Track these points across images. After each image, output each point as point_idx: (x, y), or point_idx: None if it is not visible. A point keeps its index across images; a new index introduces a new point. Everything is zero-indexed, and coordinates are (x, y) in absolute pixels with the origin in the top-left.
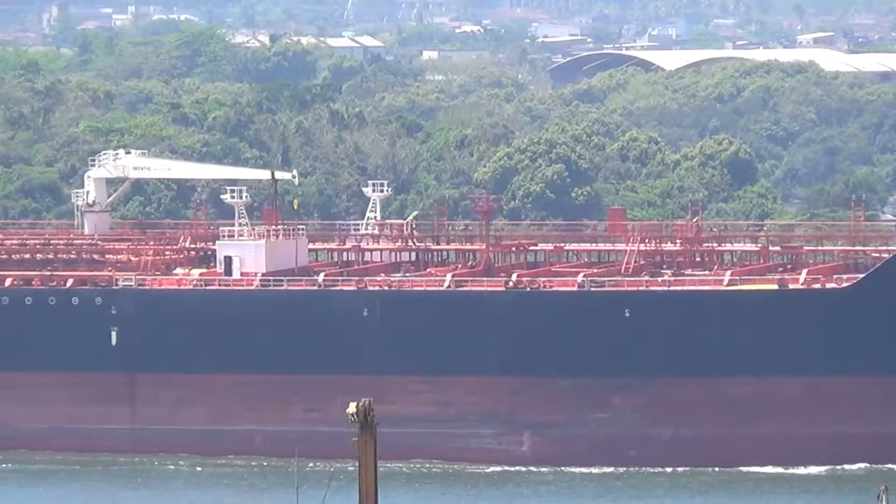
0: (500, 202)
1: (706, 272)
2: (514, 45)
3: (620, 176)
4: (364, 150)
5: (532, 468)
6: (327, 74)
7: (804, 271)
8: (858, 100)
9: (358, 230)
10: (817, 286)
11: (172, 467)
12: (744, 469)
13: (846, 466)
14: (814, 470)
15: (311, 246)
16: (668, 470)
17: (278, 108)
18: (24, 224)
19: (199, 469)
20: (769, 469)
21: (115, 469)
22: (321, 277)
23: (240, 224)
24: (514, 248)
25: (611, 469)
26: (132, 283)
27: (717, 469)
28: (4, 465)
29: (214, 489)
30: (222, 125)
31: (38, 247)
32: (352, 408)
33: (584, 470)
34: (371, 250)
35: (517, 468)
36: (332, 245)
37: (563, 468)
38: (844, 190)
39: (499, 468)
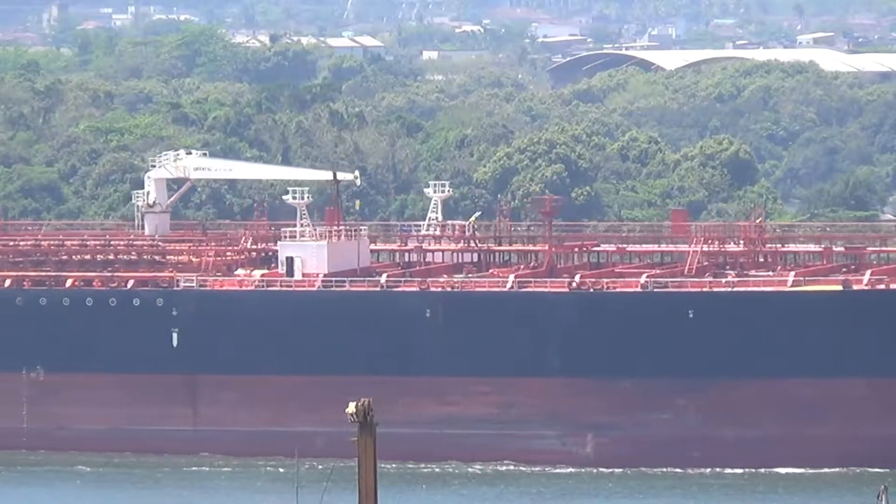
0: (499, 202)
1: (770, 273)
2: (514, 45)
3: (620, 176)
4: (364, 150)
5: (595, 469)
6: (327, 74)
7: (868, 272)
8: (858, 100)
9: (419, 231)
10: (881, 287)
11: (229, 469)
12: (806, 470)
13: None
14: (878, 471)
15: (372, 247)
16: (731, 471)
17: (278, 108)
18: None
19: (248, 470)
20: (835, 470)
21: (174, 471)
22: (383, 278)
23: (301, 225)
24: (576, 249)
25: (673, 470)
26: (193, 285)
27: (779, 470)
28: (66, 467)
29: (268, 491)
30: (222, 125)
31: (98, 248)
32: (351, 408)
33: (647, 471)
34: (433, 251)
35: (580, 469)
36: (394, 246)
37: (626, 469)
38: (844, 190)
39: (562, 469)
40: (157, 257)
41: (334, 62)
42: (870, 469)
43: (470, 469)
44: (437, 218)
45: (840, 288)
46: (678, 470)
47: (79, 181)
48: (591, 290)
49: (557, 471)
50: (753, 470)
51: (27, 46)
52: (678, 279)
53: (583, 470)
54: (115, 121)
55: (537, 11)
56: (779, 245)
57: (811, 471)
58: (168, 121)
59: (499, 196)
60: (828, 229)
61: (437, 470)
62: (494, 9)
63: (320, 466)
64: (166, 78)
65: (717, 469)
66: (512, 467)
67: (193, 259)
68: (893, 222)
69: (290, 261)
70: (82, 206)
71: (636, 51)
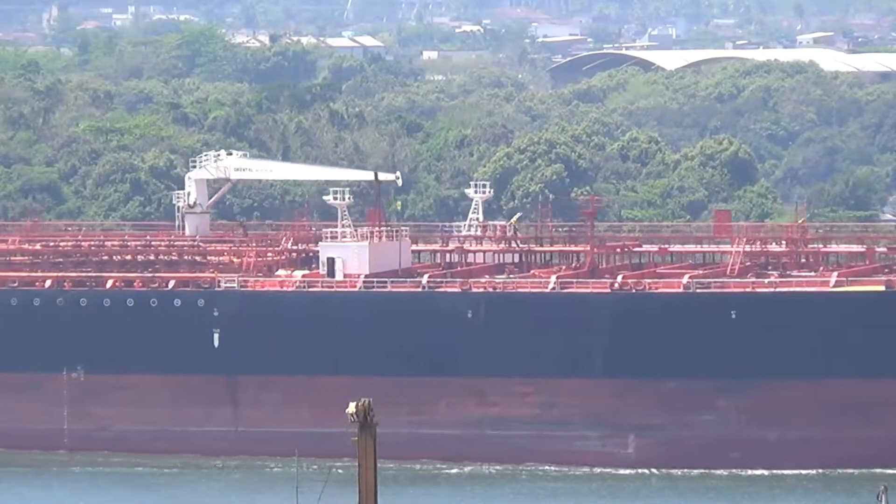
0: (499, 202)
1: (812, 273)
2: (514, 45)
3: (620, 176)
4: (364, 150)
5: (637, 470)
6: (327, 74)
7: None
8: (858, 100)
9: (460, 231)
10: None
11: (276, 469)
12: (849, 471)
13: None
14: None
15: (413, 247)
16: (774, 472)
17: (278, 108)
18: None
19: (292, 470)
20: (876, 470)
21: (216, 471)
22: (425, 279)
23: (343, 225)
24: (618, 250)
25: (715, 471)
26: (234, 285)
27: (821, 471)
28: (106, 469)
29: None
30: (222, 125)
31: (139, 248)
32: (351, 408)
33: (688, 472)
34: (474, 251)
35: (622, 471)
36: (435, 246)
37: (667, 470)
38: (844, 190)
39: (603, 470)
40: (197, 258)
41: (334, 62)
42: None
43: (511, 470)
44: (478, 218)
45: (883, 288)
46: (720, 471)
47: (79, 181)
48: (634, 290)
49: (599, 472)
50: (795, 471)
51: (27, 46)
52: (720, 280)
53: (624, 471)
54: (115, 121)
55: (537, 11)
56: (821, 245)
57: (852, 471)
58: (168, 121)
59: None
60: (868, 230)
61: (478, 471)
62: (494, 9)
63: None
64: (166, 78)
65: (759, 470)
66: (553, 468)
67: (234, 259)
68: (893, 222)
69: (331, 261)
70: (82, 206)
71: (636, 51)
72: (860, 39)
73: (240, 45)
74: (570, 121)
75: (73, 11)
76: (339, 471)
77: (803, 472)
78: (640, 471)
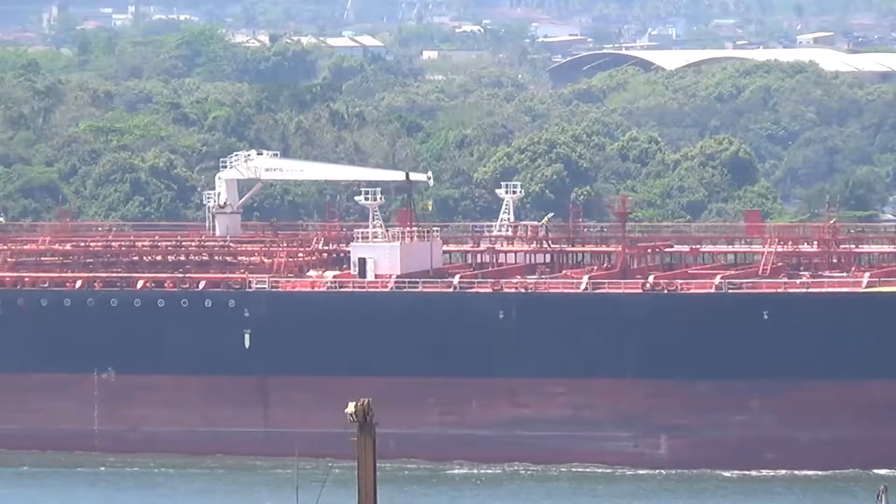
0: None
1: (844, 274)
2: (514, 45)
3: (620, 176)
4: (364, 149)
5: (669, 471)
6: (327, 74)
7: None
8: (858, 100)
9: (491, 232)
10: None
11: (309, 469)
12: (882, 471)
13: None
14: None
15: (444, 248)
16: (806, 473)
17: (278, 108)
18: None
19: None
20: (877, 471)
21: (246, 472)
22: (456, 279)
23: (374, 226)
24: (649, 250)
25: (748, 472)
26: (265, 286)
27: (854, 471)
28: (136, 469)
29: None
30: (222, 125)
31: (169, 248)
32: (351, 408)
33: (720, 473)
34: (505, 252)
35: (654, 471)
36: (466, 247)
37: (700, 471)
38: (844, 190)
39: (635, 471)
40: (228, 258)
41: (334, 62)
42: None
43: (543, 471)
44: (508, 219)
45: None
46: (752, 472)
47: (79, 181)
48: (666, 291)
49: (631, 473)
50: (828, 472)
51: (27, 46)
52: (752, 280)
53: (656, 472)
54: (115, 121)
55: (537, 11)
56: (853, 246)
57: (885, 472)
58: (168, 121)
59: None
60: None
61: (509, 471)
62: (494, 9)
63: (388, 467)
64: (166, 78)
65: (792, 471)
66: (585, 469)
67: (265, 260)
68: (893, 222)
69: (362, 262)
70: (82, 206)
71: (636, 51)
72: (860, 39)
73: (240, 45)
74: (570, 121)
75: (73, 11)
76: (402, 470)
77: (806, 472)
78: (672, 471)
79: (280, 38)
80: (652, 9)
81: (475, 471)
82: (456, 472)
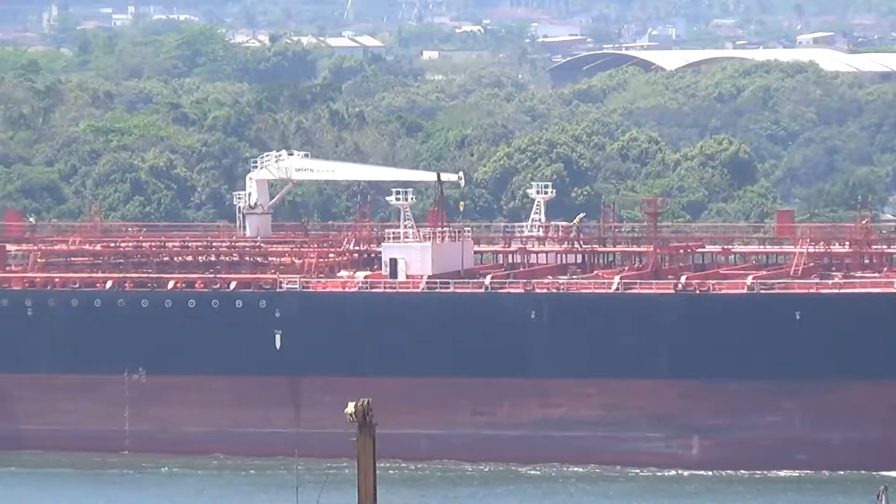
0: (499, 202)
1: (876, 274)
2: (514, 45)
3: (620, 176)
4: (364, 150)
5: (701, 472)
6: (327, 74)
7: None
8: (858, 100)
9: (522, 232)
10: None
11: (338, 470)
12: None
13: None
14: None
15: (475, 248)
16: (838, 474)
17: (278, 108)
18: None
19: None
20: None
21: (276, 473)
22: (488, 280)
23: (405, 226)
24: (681, 250)
25: (780, 473)
26: (296, 286)
27: (886, 472)
28: (166, 469)
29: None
30: (222, 125)
31: (200, 249)
32: (350, 408)
33: (753, 474)
34: (537, 252)
35: (686, 472)
36: (498, 247)
37: (732, 472)
38: (844, 190)
39: (668, 472)
40: (259, 259)
41: (334, 62)
42: None
43: (575, 471)
44: (540, 219)
45: None
46: (785, 472)
47: (79, 181)
48: (698, 291)
49: (663, 473)
50: (859, 472)
51: (27, 46)
52: (784, 281)
53: (689, 472)
54: (115, 121)
55: (537, 11)
56: (885, 246)
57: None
58: (168, 121)
59: (604, 201)
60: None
61: (541, 472)
62: (494, 9)
63: (416, 468)
64: (166, 78)
65: (824, 472)
66: (617, 470)
67: (296, 260)
68: (893, 222)
69: (393, 262)
70: (82, 206)
71: (636, 51)
72: (860, 39)
73: (240, 45)
74: (570, 121)
75: (73, 11)
76: (416, 470)
77: (838, 473)
78: (704, 472)
79: (280, 38)
80: (652, 9)
81: (506, 471)
82: (486, 472)
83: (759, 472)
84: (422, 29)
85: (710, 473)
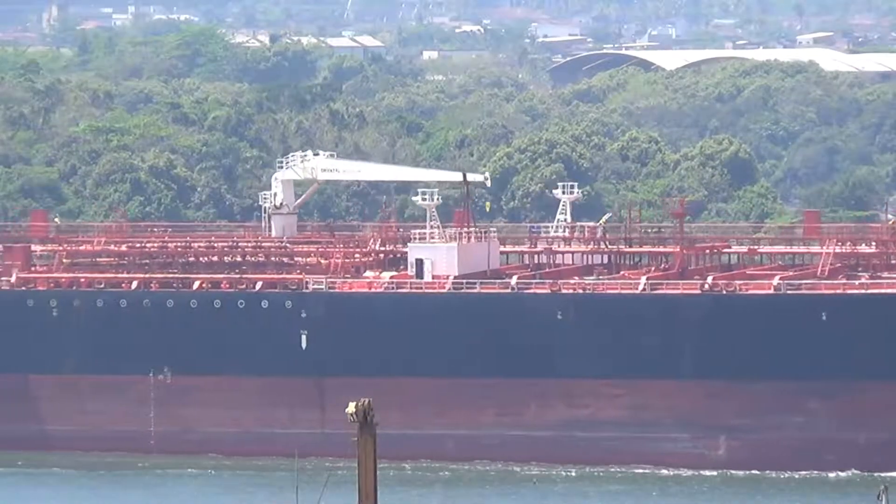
0: (499, 202)
1: None
2: (514, 45)
3: (620, 176)
4: (364, 150)
5: (728, 472)
6: (327, 74)
7: None
8: (858, 100)
9: (548, 232)
10: None
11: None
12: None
13: None
14: None
15: (501, 248)
16: (863, 474)
17: (278, 108)
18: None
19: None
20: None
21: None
22: (514, 280)
23: (431, 226)
24: (707, 251)
25: (806, 473)
26: (323, 286)
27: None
28: (192, 470)
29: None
30: (222, 125)
31: (225, 249)
32: (351, 408)
33: (779, 474)
34: (562, 252)
35: (713, 472)
36: (524, 248)
37: (758, 472)
38: (844, 190)
39: (694, 472)
40: (285, 259)
41: (334, 62)
42: None
43: (600, 472)
44: (565, 219)
45: None
46: (811, 473)
47: (79, 181)
48: (724, 292)
49: (689, 474)
50: (885, 473)
51: (27, 46)
52: (811, 281)
53: (715, 473)
54: (115, 121)
55: (537, 11)
56: None
57: None
58: (168, 121)
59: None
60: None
61: (567, 473)
62: (494, 9)
63: (443, 469)
64: (166, 78)
65: (850, 472)
66: (644, 470)
67: (322, 261)
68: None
69: (419, 262)
70: (82, 206)
71: (636, 51)
72: (860, 39)
73: (240, 45)
74: (570, 121)
75: (73, 11)
76: (446, 473)
77: (864, 474)
78: (730, 473)
79: (280, 38)
80: (652, 9)
81: (533, 472)
82: (514, 472)
83: (785, 472)
84: (422, 29)
85: (736, 474)
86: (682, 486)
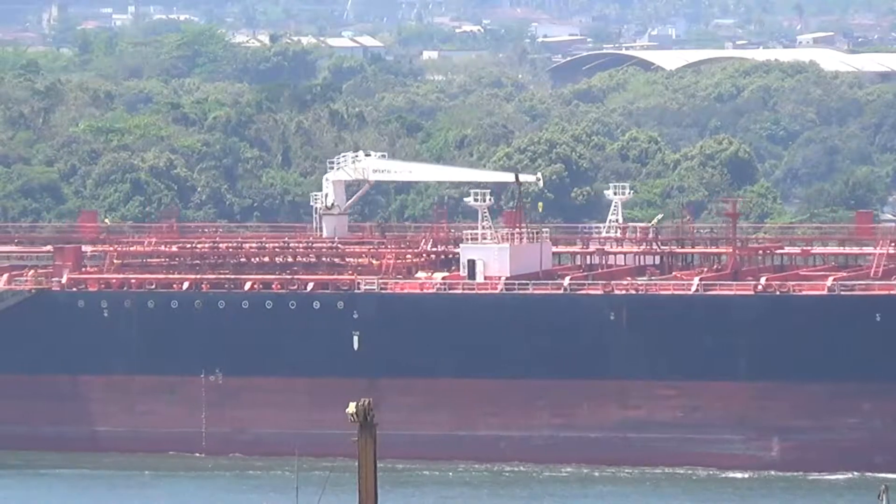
0: (499, 202)
1: None
2: (514, 45)
3: (620, 176)
4: (364, 149)
5: (781, 473)
6: (327, 74)
7: None
8: (858, 100)
9: (599, 233)
10: None
11: (425, 472)
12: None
13: None
14: None
15: (553, 249)
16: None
17: (278, 108)
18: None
19: (439, 474)
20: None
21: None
22: (567, 281)
23: (483, 227)
24: (760, 252)
25: (858, 475)
26: (374, 287)
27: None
28: (245, 471)
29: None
30: (222, 125)
31: (277, 250)
32: (351, 408)
33: (831, 476)
34: (615, 253)
35: (766, 473)
36: (576, 248)
37: (811, 474)
38: (844, 190)
39: (747, 474)
40: (336, 260)
41: (334, 62)
42: None
43: (654, 473)
44: (617, 220)
45: None
46: (862, 474)
47: (79, 181)
48: (778, 293)
49: (743, 475)
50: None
51: (27, 46)
52: (865, 282)
53: (769, 474)
54: (115, 121)
55: (537, 11)
56: None
57: None
58: (168, 121)
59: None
60: None
61: (620, 474)
62: (494, 9)
63: (496, 470)
64: (166, 78)
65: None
66: (697, 471)
67: (373, 261)
68: (893, 222)
69: (471, 263)
70: (82, 206)
71: (636, 51)
72: (860, 39)
73: (240, 45)
74: (570, 121)
75: (73, 11)
76: (507, 473)
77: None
78: (784, 474)
79: (280, 38)
80: (652, 9)
81: (585, 473)
82: (565, 473)
83: (838, 473)
84: (422, 29)
85: (789, 475)
86: (735, 487)
